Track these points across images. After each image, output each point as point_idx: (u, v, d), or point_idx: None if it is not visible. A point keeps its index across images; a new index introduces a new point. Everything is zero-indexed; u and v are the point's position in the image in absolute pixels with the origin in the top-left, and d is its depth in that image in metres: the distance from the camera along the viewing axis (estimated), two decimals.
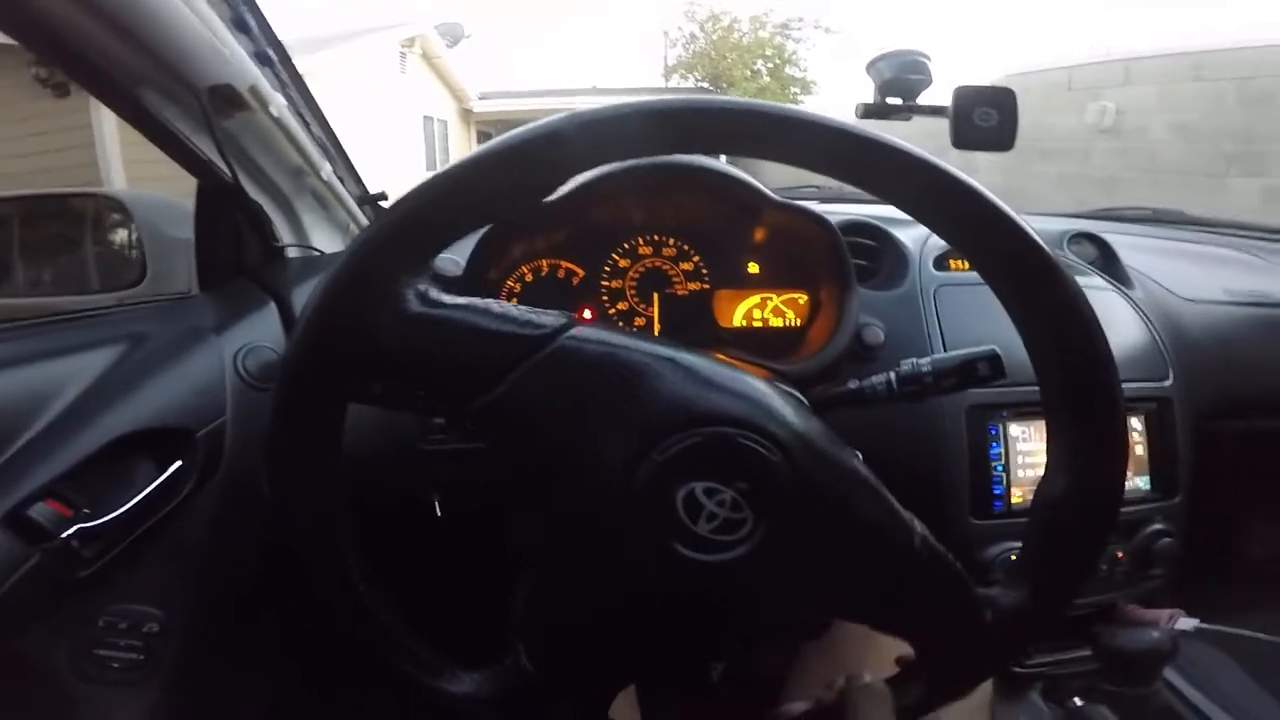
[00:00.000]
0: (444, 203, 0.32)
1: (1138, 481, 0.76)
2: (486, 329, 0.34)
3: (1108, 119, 4.08)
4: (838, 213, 0.77)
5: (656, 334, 0.71)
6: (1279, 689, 0.85)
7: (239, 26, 0.57)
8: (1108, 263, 0.91)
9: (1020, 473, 0.71)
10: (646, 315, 0.71)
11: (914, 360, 0.55)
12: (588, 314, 0.70)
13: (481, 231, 0.64)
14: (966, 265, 0.75)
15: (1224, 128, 3.48)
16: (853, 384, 0.57)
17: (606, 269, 0.70)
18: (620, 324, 0.71)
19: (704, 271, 0.71)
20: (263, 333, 0.63)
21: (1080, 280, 0.84)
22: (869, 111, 0.69)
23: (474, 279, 0.65)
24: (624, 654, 0.38)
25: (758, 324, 0.71)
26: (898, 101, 0.70)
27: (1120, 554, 0.74)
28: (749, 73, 15.78)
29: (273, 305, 0.65)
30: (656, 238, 0.70)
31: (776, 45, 16.16)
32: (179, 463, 0.55)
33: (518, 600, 0.79)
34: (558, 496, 0.35)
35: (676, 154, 0.33)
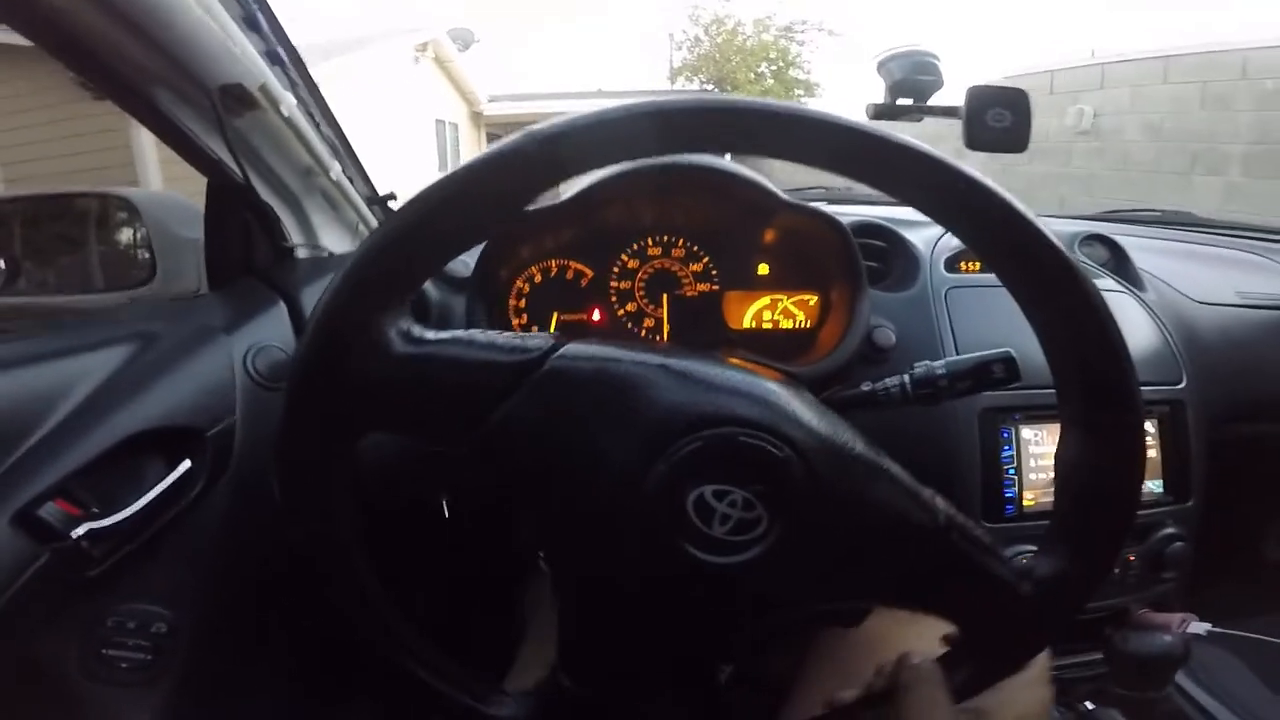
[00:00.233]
0: (408, 241, 0.32)
1: (1151, 485, 0.76)
2: (474, 360, 0.34)
3: (1086, 121, 4.27)
4: (848, 214, 0.77)
5: (665, 335, 0.70)
6: None
7: (250, 25, 0.56)
8: (1119, 265, 0.90)
9: (1033, 476, 0.71)
10: (655, 316, 0.70)
11: (928, 363, 0.55)
12: (597, 315, 0.70)
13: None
14: (978, 267, 0.74)
15: (1188, 129, 3.72)
16: (866, 386, 0.56)
17: (615, 270, 0.70)
18: (630, 325, 0.71)
19: (713, 272, 0.71)
20: (272, 332, 0.63)
21: None
22: (880, 112, 0.69)
23: (483, 280, 0.65)
24: (658, 660, 0.37)
25: (768, 325, 0.71)
26: (909, 102, 0.70)
27: (1132, 557, 0.73)
28: (753, 75, 15.87)
29: (282, 305, 0.65)
30: (666, 238, 0.70)
31: (780, 48, 16.29)
32: (188, 462, 0.55)
33: (525, 602, 0.79)
34: (568, 516, 0.35)
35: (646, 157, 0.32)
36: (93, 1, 0.46)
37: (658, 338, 0.70)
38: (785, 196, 0.66)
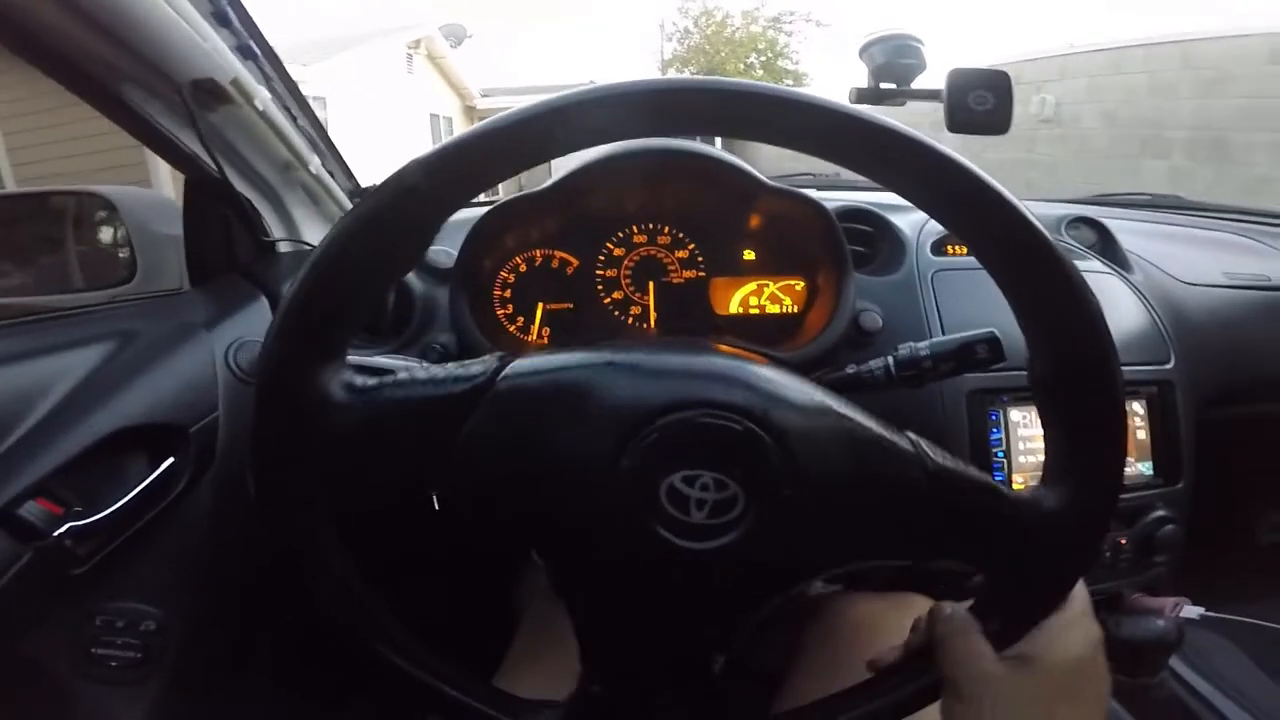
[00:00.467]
0: (329, 288, 0.32)
1: (1140, 467, 0.76)
2: (422, 396, 0.33)
3: (1048, 109, 4.50)
4: (835, 199, 0.77)
5: (653, 322, 0.70)
6: None
7: (220, 20, 0.56)
8: (1106, 247, 0.91)
9: (1021, 458, 0.71)
10: (642, 304, 0.70)
11: (911, 344, 0.54)
12: (583, 303, 0.70)
13: (472, 222, 0.64)
14: (964, 250, 0.74)
15: (1138, 116, 4.03)
16: (850, 369, 0.56)
17: (601, 258, 0.69)
18: (616, 313, 0.70)
19: (699, 259, 0.70)
20: (254, 327, 0.63)
21: (1079, 265, 0.84)
22: (863, 96, 0.68)
23: (466, 271, 0.64)
24: (663, 655, 0.36)
25: (754, 311, 0.71)
26: (891, 86, 0.69)
27: (1123, 540, 0.73)
28: (742, 66, 15.95)
29: (264, 300, 0.65)
30: (651, 226, 0.70)
31: (769, 39, 16.45)
32: (171, 459, 0.55)
33: (519, 594, 0.79)
34: (550, 522, 0.35)
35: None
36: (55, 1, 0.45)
37: (645, 325, 0.70)
38: (768, 181, 0.66)
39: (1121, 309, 0.80)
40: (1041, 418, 0.36)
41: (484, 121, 0.31)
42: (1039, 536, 0.35)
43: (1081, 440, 0.34)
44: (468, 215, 0.66)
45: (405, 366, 0.50)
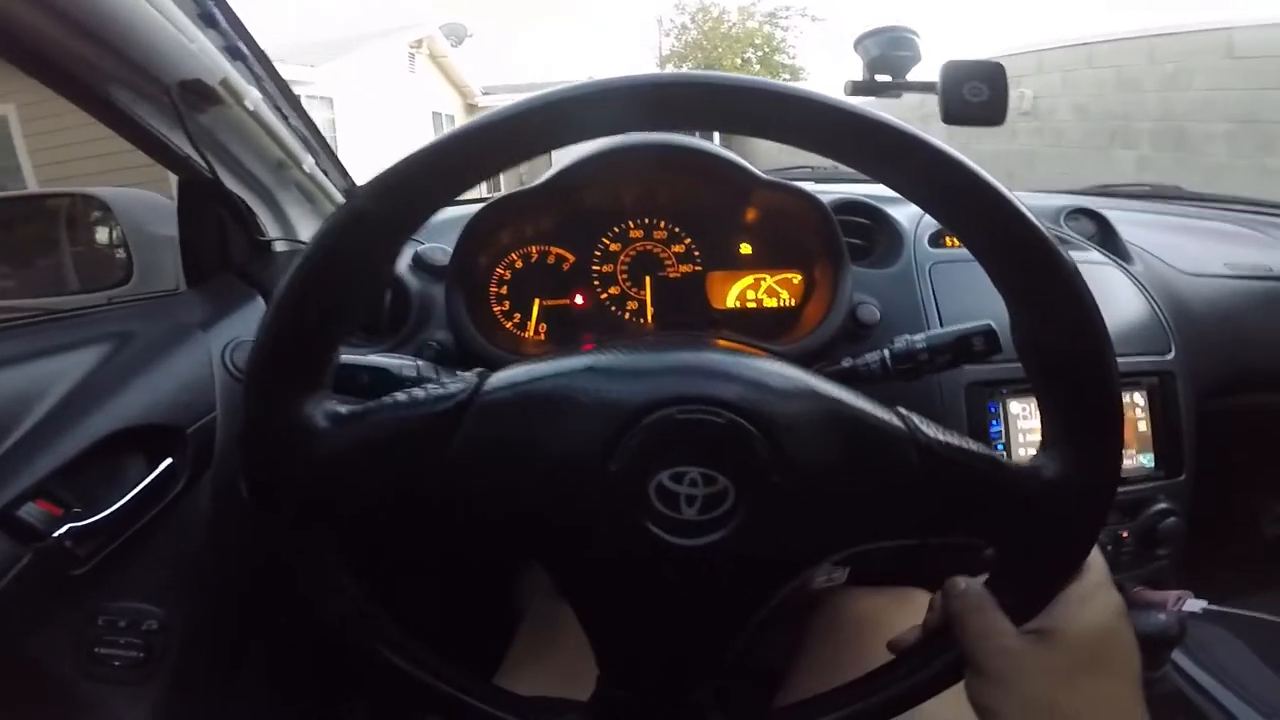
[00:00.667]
0: (298, 325, 0.32)
1: (1141, 459, 0.75)
2: (401, 422, 0.33)
3: (1026, 103, 4.64)
4: (832, 192, 0.77)
5: (650, 318, 0.70)
6: None
7: (206, 21, 0.56)
8: (1106, 238, 0.90)
9: (1021, 451, 0.71)
10: (639, 299, 0.70)
11: (908, 337, 0.54)
12: (580, 299, 0.70)
13: (467, 219, 0.64)
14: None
15: (1108, 109, 4.21)
16: (846, 362, 0.56)
17: (597, 253, 0.69)
18: (613, 309, 0.70)
19: (696, 254, 0.70)
20: (250, 327, 0.63)
21: (1078, 255, 0.84)
22: (858, 89, 0.68)
23: (462, 268, 0.64)
24: (677, 655, 0.36)
25: (751, 305, 0.70)
26: (887, 79, 0.69)
27: (1125, 534, 0.73)
28: (740, 61, 16.04)
29: (260, 300, 0.65)
30: (647, 221, 0.70)
31: (765, 34, 16.64)
32: (169, 460, 0.55)
33: (520, 591, 0.79)
34: (543, 543, 0.35)
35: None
36: (35, 2, 0.45)
37: (642, 321, 0.70)
38: (762, 175, 0.65)
39: (1122, 300, 0.79)
40: (1034, 385, 0.35)
41: (433, 140, 0.30)
42: (1042, 506, 0.34)
43: (1076, 404, 0.34)
44: (463, 212, 0.66)
45: (399, 365, 0.50)
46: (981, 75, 0.64)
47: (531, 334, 0.69)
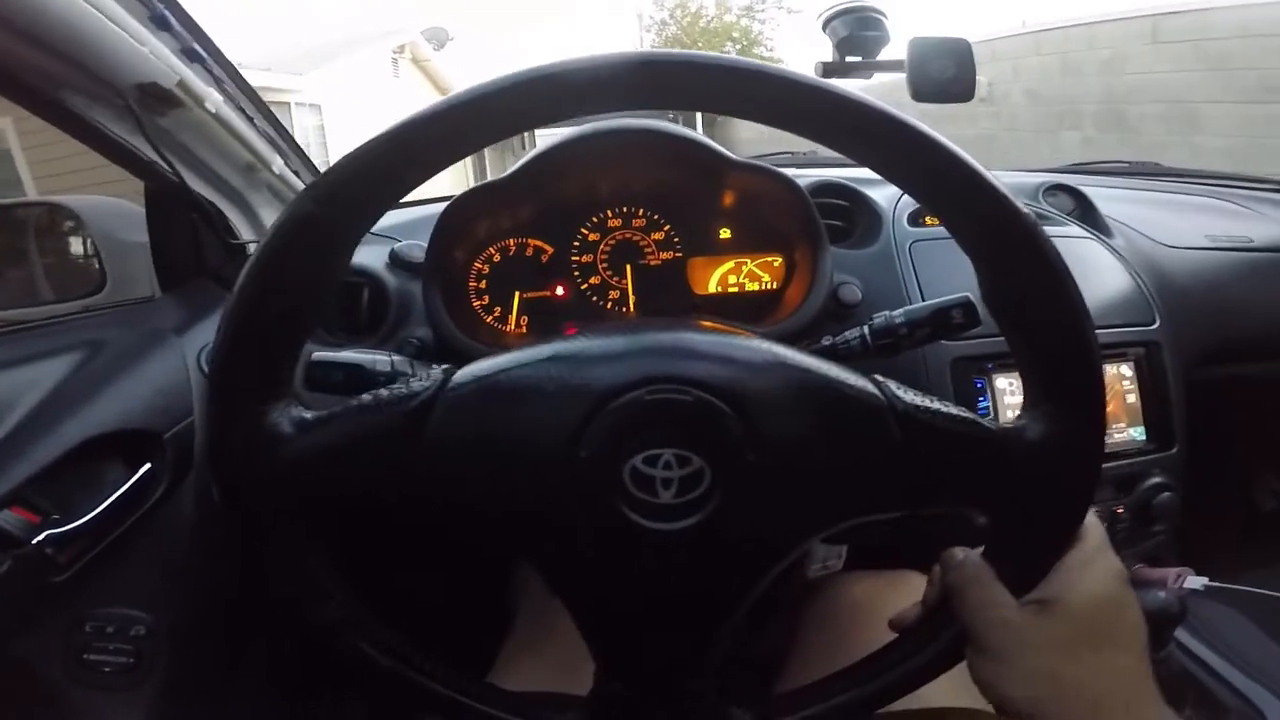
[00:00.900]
0: (252, 335, 0.31)
1: (1132, 433, 0.75)
2: (367, 424, 0.33)
3: (983, 89, 5.09)
4: (812, 176, 0.77)
5: (631, 306, 0.70)
6: None
7: (158, 24, 0.55)
8: (1085, 213, 0.90)
9: (1016, 418, 0.70)
10: (620, 288, 0.69)
11: (886, 313, 0.54)
12: (560, 290, 0.69)
13: (440, 213, 0.63)
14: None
15: (1054, 94, 4.51)
16: (826, 340, 0.56)
17: (576, 244, 0.69)
18: (594, 299, 0.70)
19: (676, 240, 0.70)
20: None
21: (1058, 230, 0.84)
22: (829, 70, 0.68)
23: (437, 264, 0.63)
24: (681, 643, 0.35)
25: (733, 289, 0.70)
26: (857, 59, 0.69)
27: (1120, 510, 0.72)
28: None
29: None
30: (625, 209, 0.69)
31: (742, 28, 17.11)
32: (148, 465, 0.55)
33: (514, 587, 0.78)
34: (522, 536, 0.34)
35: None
36: None
37: (624, 309, 0.69)
38: (735, 157, 0.65)
39: (1103, 272, 0.79)
40: (1010, 347, 0.35)
41: (380, 131, 0.30)
42: (1028, 468, 0.33)
43: (1054, 358, 0.33)
44: (438, 209, 0.66)
45: (372, 360, 0.49)
46: (948, 53, 0.64)
47: (513, 327, 0.68)
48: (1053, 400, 0.33)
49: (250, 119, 0.65)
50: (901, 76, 0.66)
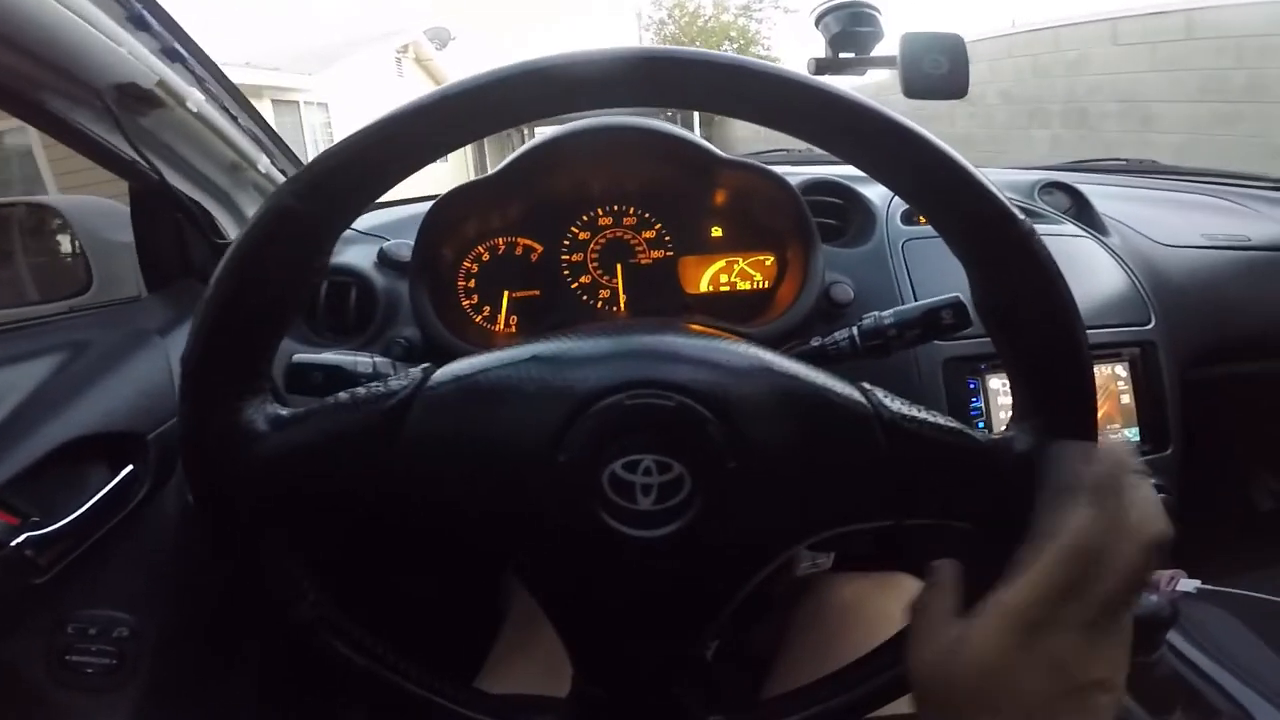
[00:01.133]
0: (226, 329, 0.31)
1: (1126, 433, 0.75)
2: (343, 422, 0.32)
3: None
4: (805, 174, 0.76)
5: (622, 305, 0.69)
6: None
7: (136, 24, 0.54)
8: (1081, 211, 0.90)
9: (1004, 429, 0.69)
10: (611, 287, 0.69)
11: (875, 314, 0.53)
12: (550, 290, 0.68)
13: (426, 212, 0.62)
14: None
15: (1026, 94, 4.81)
16: (815, 341, 0.55)
17: (566, 243, 0.68)
18: (585, 298, 0.69)
19: (667, 239, 0.69)
20: None
21: (1053, 229, 0.83)
22: (822, 66, 0.68)
23: (424, 263, 0.63)
24: (660, 648, 0.35)
25: (725, 288, 0.70)
26: (850, 55, 0.68)
27: None
28: None
29: None
30: (616, 208, 0.68)
31: (740, 27, 17.34)
32: (130, 467, 0.54)
33: (506, 588, 0.77)
34: (499, 538, 0.33)
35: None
36: None
37: (614, 309, 0.69)
38: (726, 155, 0.65)
39: (1099, 272, 0.79)
40: (1001, 356, 0.34)
41: (360, 128, 0.30)
42: (1016, 481, 0.32)
43: (1045, 370, 0.33)
44: (425, 207, 0.65)
45: (353, 362, 0.49)
46: (941, 48, 0.64)
47: (502, 327, 0.68)
48: (1043, 413, 0.33)
49: (234, 118, 0.64)
50: (893, 75, 0.66)
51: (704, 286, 0.69)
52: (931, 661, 0.32)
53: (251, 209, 0.69)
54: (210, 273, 0.58)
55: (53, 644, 0.53)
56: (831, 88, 0.30)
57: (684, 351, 0.32)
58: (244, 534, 0.34)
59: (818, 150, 0.34)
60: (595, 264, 0.69)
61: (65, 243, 0.68)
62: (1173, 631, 0.74)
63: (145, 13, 0.55)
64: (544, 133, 0.64)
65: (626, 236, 0.69)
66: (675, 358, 0.32)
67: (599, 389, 0.31)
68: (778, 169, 0.66)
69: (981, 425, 0.69)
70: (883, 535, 0.35)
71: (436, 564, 0.84)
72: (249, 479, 0.32)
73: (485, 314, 0.68)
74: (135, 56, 0.54)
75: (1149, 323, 0.76)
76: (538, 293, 0.68)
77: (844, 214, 0.75)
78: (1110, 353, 0.74)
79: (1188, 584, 0.70)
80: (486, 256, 0.67)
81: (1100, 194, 0.93)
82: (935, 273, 0.70)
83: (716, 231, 0.69)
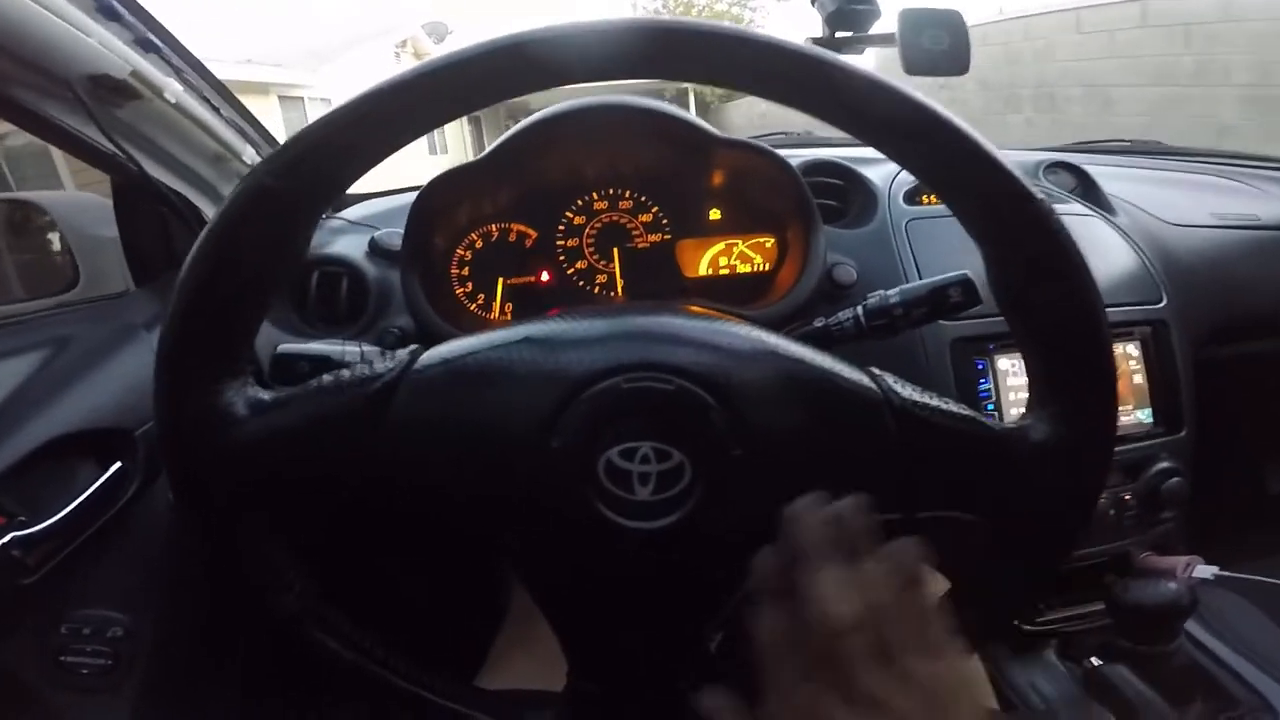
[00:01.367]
0: (205, 300, 0.30)
1: (1139, 415, 0.73)
2: (327, 405, 0.31)
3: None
4: (806, 155, 0.74)
5: (620, 290, 0.67)
6: None
7: (107, 15, 0.53)
8: (1087, 190, 0.88)
9: (1013, 411, 0.68)
10: (608, 272, 0.67)
11: (881, 292, 0.52)
12: (545, 276, 0.67)
13: (413, 199, 0.61)
14: (937, 199, 0.71)
15: (1000, 80, 5.02)
16: (819, 322, 0.54)
17: (561, 228, 0.67)
18: (581, 283, 0.67)
19: (664, 222, 0.67)
20: None
21: (1060, 208, 0.81)
22: (819, 45, 0.66)
23: (414, 251, 0.61)
24: (659, 643, 0.34)
25: (725, 271, 0.68)
26: (848, 34, 0.67)
27: (1127, 497, 0.70)
28: None
29: None
30: (611, 191, 0.67)
31: (734, 15, 17.40)
32: (119, 464, 0.53)
33: (507, 581, 0.76)
34: (490, 527, 0.32)
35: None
36: None
37: (612, 294, 0.67)
38: (723, 135, 0.63)
39: (1108, 250, 0.77)
40: (1018, 341, 0.33)
41: (336, 105, 0.29)
42: (1032, 470, 0.31)
43: (1064, 357, 0.31)
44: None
45: (340, 351, 0.48)
46: (941, 24, 0.62)
47: (497, 314, 0.66)
48: (1061, 400, 0.31)
49: (216, 109, 0.63)
50: (892, 54, 0.64)
51: (703, 270, 0.68)
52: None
53: None
54: None
55: (47, 645, 0.52)
56: (842, 61, 0.28)
57: (684, 333, 0.30)
58: (220, 518, 0.33)
59: (817, 132, 0.33)
60: (591, 249, 0.67)
61: (51, 239, 0.67)
62: (1190, 620, 0.72)
63: (115, 2, 0.53)
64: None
65: (623, 220, 0.67)
66: (674, 340, 0.30)
67: (594, 372, 0.29)
68: (771, 147, 0.65)
69: (991, 408, 0.68)
70: (891, 526, 0.33)
71: (428, 553, 0.83)
72: (226, 463, 0.31)
73: (479, 302, 0.66)
74: (106, 47, 0.53)
75: (1160, 301, 0.75)
76: (533, 279, 0.67)
77: (845, 195, 0.74)
78: (1122, 331, 0.72)
79: (1204, 570, 0.68)
80: (480, 243, 0.66)
81: (1105, 174, 0.92)
82: (940, 252, 0.68)
83: (715, 214, 0.68)
